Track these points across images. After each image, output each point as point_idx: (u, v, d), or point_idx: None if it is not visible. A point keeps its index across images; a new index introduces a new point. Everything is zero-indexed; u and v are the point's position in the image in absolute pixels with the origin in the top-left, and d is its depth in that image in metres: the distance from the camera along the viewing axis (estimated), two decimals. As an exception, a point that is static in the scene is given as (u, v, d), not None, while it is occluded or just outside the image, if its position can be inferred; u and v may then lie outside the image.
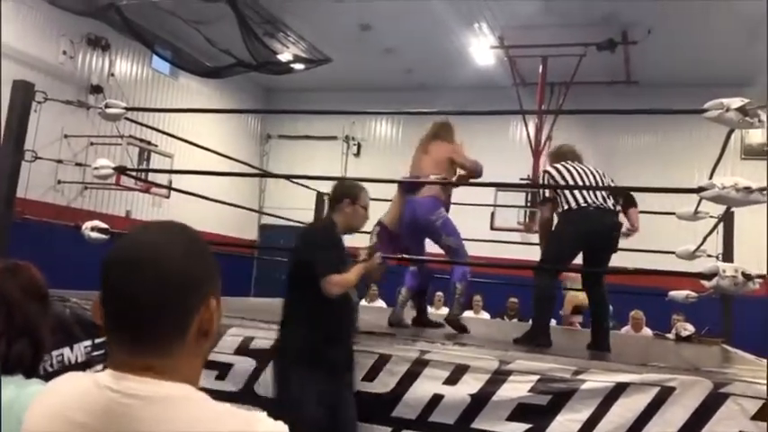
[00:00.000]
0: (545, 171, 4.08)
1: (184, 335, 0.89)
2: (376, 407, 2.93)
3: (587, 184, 3.85)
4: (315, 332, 2.84)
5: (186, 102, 11.33)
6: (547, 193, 3.95)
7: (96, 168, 3.72)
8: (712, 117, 3.01)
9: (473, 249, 7.89)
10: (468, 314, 8.47)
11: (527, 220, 9.59)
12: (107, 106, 3.76)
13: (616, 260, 6.24)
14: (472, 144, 12.87)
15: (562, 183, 3.86)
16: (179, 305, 0.88)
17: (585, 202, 3.76)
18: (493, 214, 9.50)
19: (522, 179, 9.99)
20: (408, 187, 4.37)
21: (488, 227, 9.36)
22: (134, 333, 0.87)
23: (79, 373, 0.95)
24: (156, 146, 10.03)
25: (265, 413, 0.91)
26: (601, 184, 3.89)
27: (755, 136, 10.48)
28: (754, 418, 2.52)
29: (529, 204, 9.65)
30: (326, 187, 6.63)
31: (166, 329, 0.88)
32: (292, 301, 2.97)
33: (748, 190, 2.92)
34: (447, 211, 4.41)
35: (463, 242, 4.31)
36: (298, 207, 8.49)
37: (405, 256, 4.31)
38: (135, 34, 8.78)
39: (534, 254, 8.96)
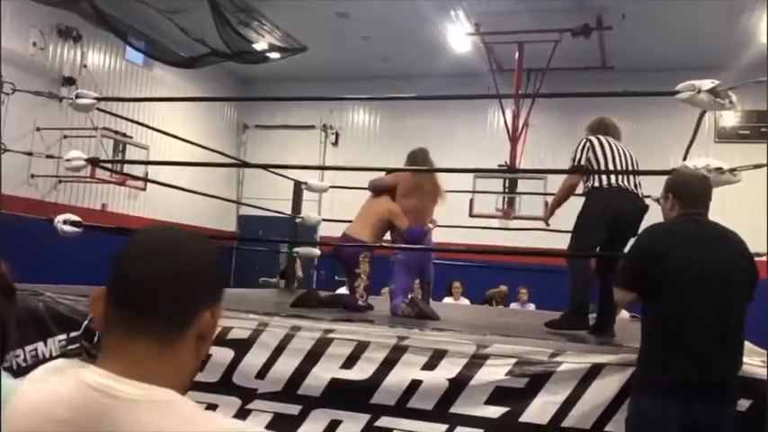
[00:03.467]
0: (587, 139, 3.85)
1: (184, 330, 0.90)
2: (354, 394, 2.93)
3: (621, 165, 3.71)
4: None
5: (161, 93, 11.18)
6: (582, 161, 3.75)
7: (68, 160, 3.66)
8: (684, 99, 3.04)
9: (453, 236, 7.99)
10: (447, 300, 8.52)
11: (505, 206, 9.63)
12: (77, 96, 3.70)
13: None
14: (450, 131, 12.92)
15: (601, 157, 3.71)
16: (189, 297, 0.90)
17: (617, 183, 3.63)
18: (471, 201, 9.53)
19: (499, 165, 10.03)
20: (413, 241, 4.40)
21: (467, 214, 9.38)
22: (138, 315, 0.88)
23: (64, 365, 0.92)
24: (132, 138, 9.91)
25: (247, 423, 0.93)
26: (632, 168, 3.75)
27: (729, 119, 10.61)
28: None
29: (507, 191, 9.69)
30: (304, 176, 6.62)
31: (170, 318, 0.89)
32: (741, 319, 2.53)
33: (720, 171, 2.96)
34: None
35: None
36: (276, 197, 8.47)
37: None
38: (107, 25, 8.63)
39: (512, 239, 8.98)
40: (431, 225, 4.68)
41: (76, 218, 3.72)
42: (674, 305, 2.46)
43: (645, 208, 3.73)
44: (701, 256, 2.49)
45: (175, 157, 8.56)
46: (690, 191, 2.66)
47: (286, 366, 3.05)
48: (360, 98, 12.58)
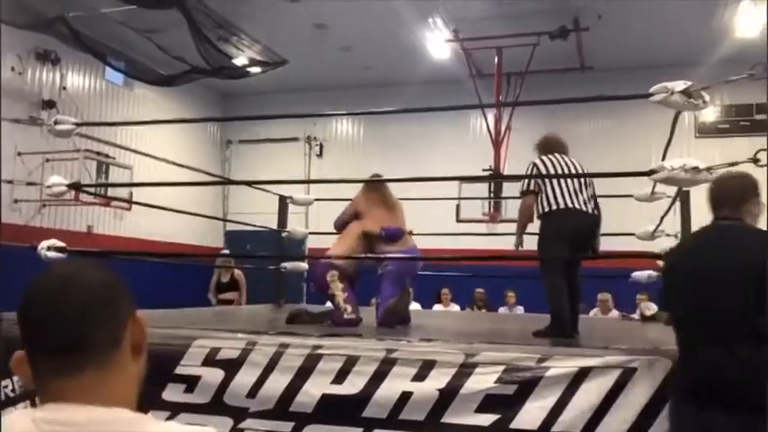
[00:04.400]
0: (533, 164, 4.06)
1: (117, 346, 0.91)
2: (346, 409, 2.93)
3: (570, 183, 3.90)
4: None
5: (142, 112, 11.17)
6: (531, 185, 3.97)
7: (49, 186, 3.65)
8: (658, 101, 3.08)
9: (441, 243, 8.01)
10: (437, 307, 8.54)
11: (491, 210, 9.67)
12: (56, 123, 3.69)
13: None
14: (433, 137, 12.97)
15: (547, 180, 3.92)
16: (109, 315, 0.92)
17: (566, 204, 3.84)
18: (458, 207, 9.56)
19: (484, 170, 10.07)
20: (392, 238, 4.50)
21: (454, 219, 9.41)
22: (67, 348, 0.88)
23: (16, 412, 0.95)
24: (114, 158, 9.87)
25: (210, 428, 0.93)
26: (581, 183, 3.94)
27: (708, 115, 10.72)
28: (713, 391, 2.58)
29: (492, 195, 9.73)
30: (289, 190, 6.62)
31: (99, 340, 0.90)
32: (741, 320, 2.35)
33: (696, 170, 3.00)
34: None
35: None
36: (262, 212, 8.44)
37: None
38: (85, 46, 8.61)
39: (499, 243, 9.05)
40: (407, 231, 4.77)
41: (60, 243, 3.70)
42: (677, 313, 2.56)
43: (596, 222, 3.97)
44: (695, 261, 2.50)
45: (160, 176, 8.52)
46: (713, 196, 2.60)
47: (277, 384, 3.04)
48: (342, 114, 12.63)
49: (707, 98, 3.04)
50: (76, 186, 3.84)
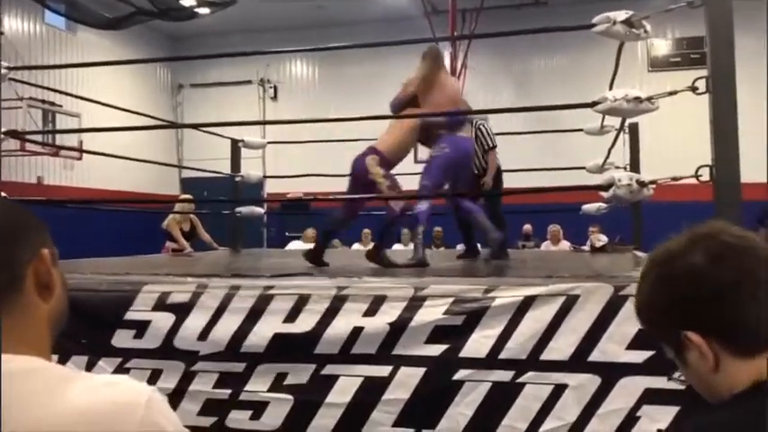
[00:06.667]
0: (484, 125, 5.13)
1: (20, 287, 0.87)
2: (298, 347, 2.97)
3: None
4: None
5: (88, 57, 10.76)
6: (495, 143, 5.16)
7: (-18, 135, 3.51)
8: (601, 31, 3.08)
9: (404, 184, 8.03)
10: (397, 247, 8.61)
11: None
12: (-14, 68, 3.52)
13: (535, 178, 6.45)
14: (390, 77, 12.78)
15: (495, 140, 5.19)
16: (5, 256, 0.86)
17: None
18: (415, 147, 9.54)
19: (441, 109, 10.03)
20: (452, 123, 4.28)
21: (412, 160, 9.40)
22: None
23: None
24: (61, 106, 9.56)
25: (126, 377, 0.87)
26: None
27: (660, 48, 10.78)
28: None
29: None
30: (242, 134, 6.50)
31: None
32: None
33: (638, 100, 3.03)
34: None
35: None
36: (218, 157, 8.31)
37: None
38: (20, -12, 8.21)
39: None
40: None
41: (1, 194, 3.59)
42: None
43: None
44: None
45: (109, 123, 8.30)
46: None
47: (228, 326, 3.05)
48: (296, 50, 12.36)
49: (648, 28, 3.05)
50: (13, 134, 3.70)
